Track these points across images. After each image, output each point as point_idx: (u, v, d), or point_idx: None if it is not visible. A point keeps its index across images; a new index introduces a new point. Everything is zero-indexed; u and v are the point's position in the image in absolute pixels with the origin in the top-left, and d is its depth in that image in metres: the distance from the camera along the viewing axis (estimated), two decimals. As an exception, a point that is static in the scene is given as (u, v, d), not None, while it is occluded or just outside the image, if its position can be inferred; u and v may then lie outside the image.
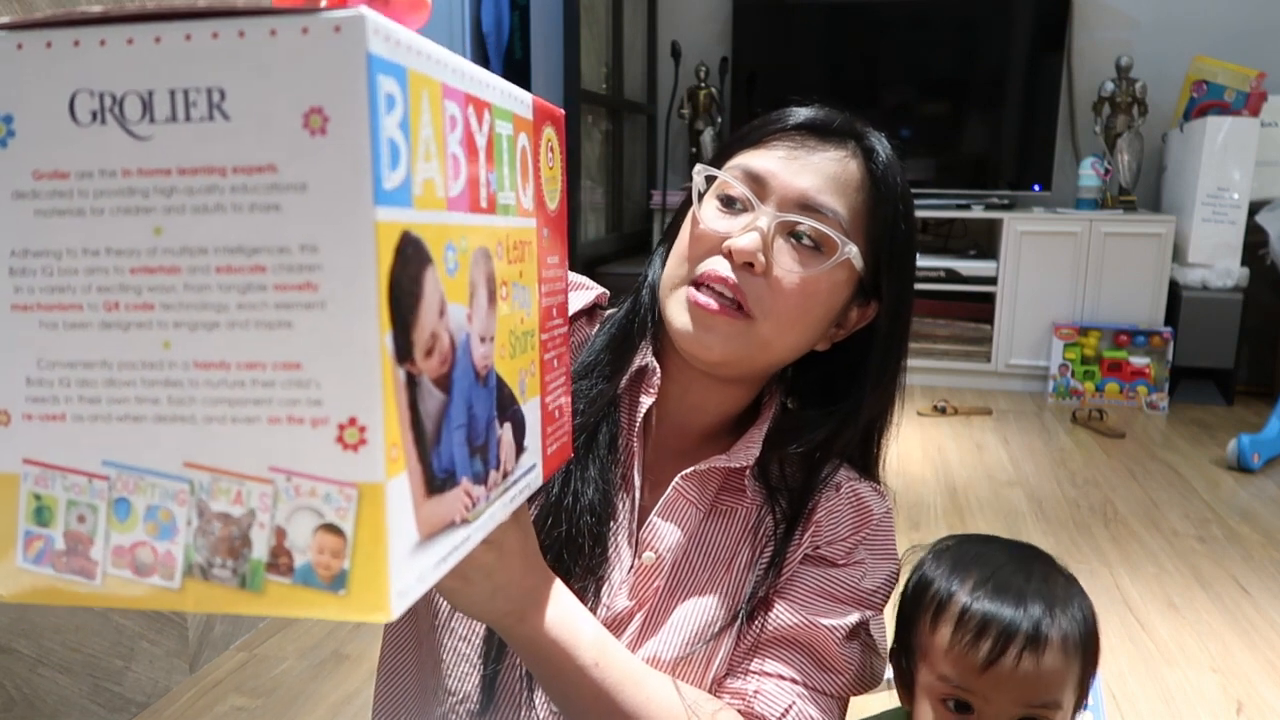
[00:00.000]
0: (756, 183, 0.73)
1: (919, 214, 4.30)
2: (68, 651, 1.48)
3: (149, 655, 1.62)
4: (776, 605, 0.75)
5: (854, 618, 0.75)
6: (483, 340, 0.43)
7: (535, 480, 0.51)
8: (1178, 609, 2.08)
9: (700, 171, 0.76)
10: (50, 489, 0.36)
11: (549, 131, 0.52)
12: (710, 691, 0.74)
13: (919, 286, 4.28)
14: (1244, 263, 3.68)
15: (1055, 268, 3.87)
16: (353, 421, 0.33)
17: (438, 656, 0.75)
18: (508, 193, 0.45)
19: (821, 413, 0.79)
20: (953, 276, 3.96)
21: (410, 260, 0.35)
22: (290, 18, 0.32)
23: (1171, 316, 3.78)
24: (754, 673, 0.74)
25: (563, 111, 0.55)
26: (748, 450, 0.77)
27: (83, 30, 0.33)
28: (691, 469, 0.76)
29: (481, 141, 0.42)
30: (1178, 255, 3.78)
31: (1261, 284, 3.77)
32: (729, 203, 0.74)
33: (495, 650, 0.72)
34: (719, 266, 0.71)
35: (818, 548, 0.77)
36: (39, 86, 0.34)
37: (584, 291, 0.83)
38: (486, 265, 0.43)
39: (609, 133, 4.20)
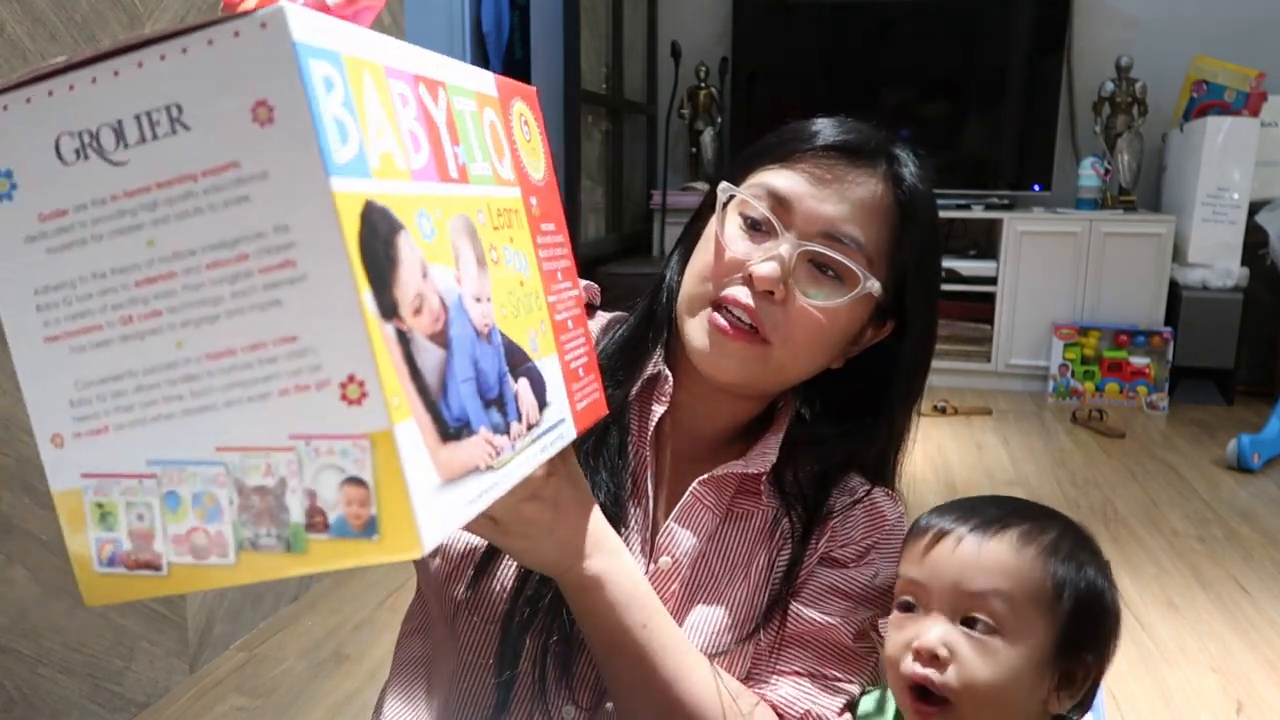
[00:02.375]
0: (781, 206, 0.72)
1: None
2: (68, 651, 1.48)
3: (149, 655, 1.62)
4: (792, 605, 0.75)
5: (865, 614, 0.76)
6: (478, 300, 0.45)
7: (568, 433, 0.54)
8: (1178, 609, 2.08)
9: (725, 190, 0.75)
10: (109, 496, 0.40)
11: (520, 106, 0.54)
12: None
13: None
14: (1244, 263, 3.68)
15: (1055, 268, 3.87)
16: (351, 378, 0.36)
17: (451, 666, 0.75)
18: (481, 164, 0.48)
19: (838, 432, 0.79)
20: (953, 276, 3.96)
21: (379, 225, 0.38)
22: (222, 25, 0.35)
23: (1171, 316, 3.78)
24: (774, 673, 0.74)
25: (533, 88, 0.57)
26: (764, 457, 0.77)
27: (54, 81, 0.37)
28: (709, 475, 0.76)
29: (441, 117, 0.45)
30: (1178, 255, 3.78)
31: (1261, 284, 3.77)
32: (753, 224, 0.73)
33: (510, 656, 0.72)
34: (739, 293, 0.71)
35: (830, 551, 0.77)
36: (28, 139, 0.38)
37: None
38: (469, 230, 0.45)
39: (609, 133, 4.20)
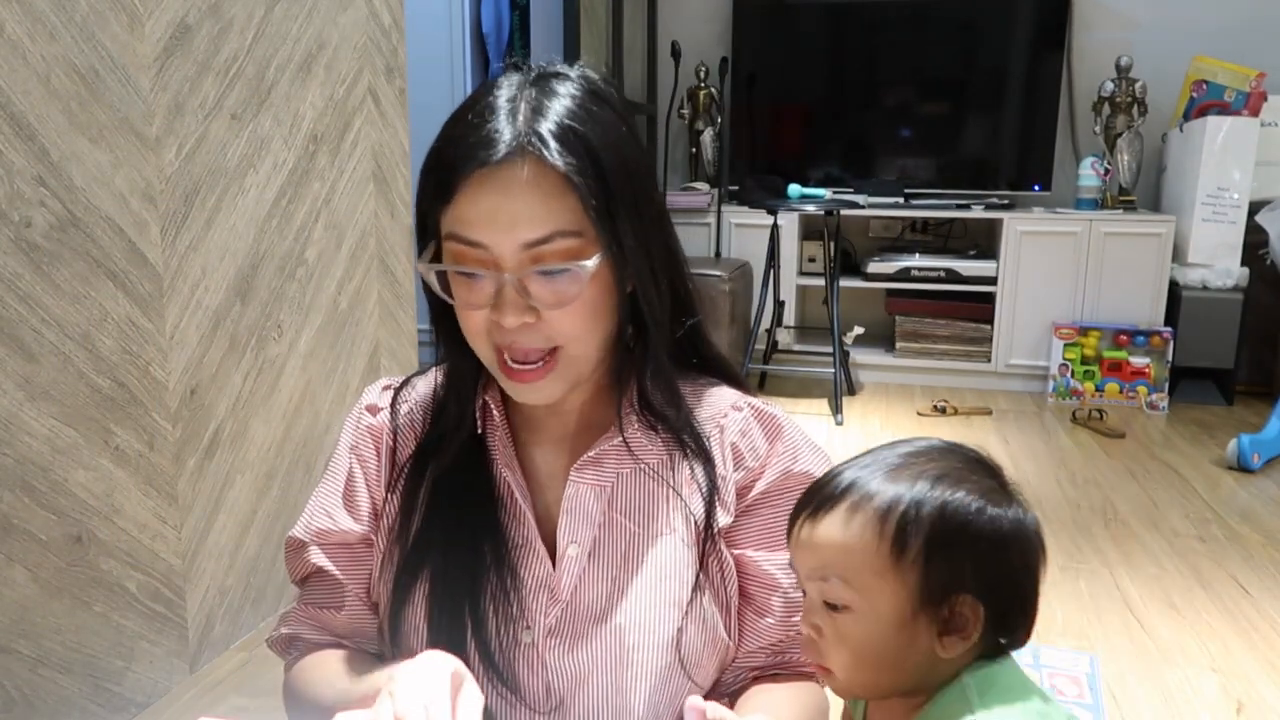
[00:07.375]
0: (479, 248, 0.72)
1: (918, 214, 4.27)
2: (68, 651, 1.48)
3: (149, 655, 1.62)
4: (762, 565, 0.82)
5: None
6: None
7: None
8: (1178, 609, 2.08)
9: (428, 271, 0.76)
10: None
11: None
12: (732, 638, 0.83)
13: (918, 286, 4.24)
14: (1244, 263, 3.68)
15: (1055, 268, 3.87)
16: None
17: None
18: None
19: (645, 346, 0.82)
20: (953, 276, 3.96)
21: None
22: None
23: (1171, 316, 3.78)
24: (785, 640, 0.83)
25: None
26: (627, 419, 0.82)
27: None
28: (584, 457, 0.81)
29: None
30: (1178, 255, 3.78)
31: (1261, 284, 3.77)
32: (467, 272, 0.74)
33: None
34: (508, 343, 0.75)
35: (754, 483, 0.83)
36: None
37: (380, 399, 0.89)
38: None
39: (609, 133, 4.19)
